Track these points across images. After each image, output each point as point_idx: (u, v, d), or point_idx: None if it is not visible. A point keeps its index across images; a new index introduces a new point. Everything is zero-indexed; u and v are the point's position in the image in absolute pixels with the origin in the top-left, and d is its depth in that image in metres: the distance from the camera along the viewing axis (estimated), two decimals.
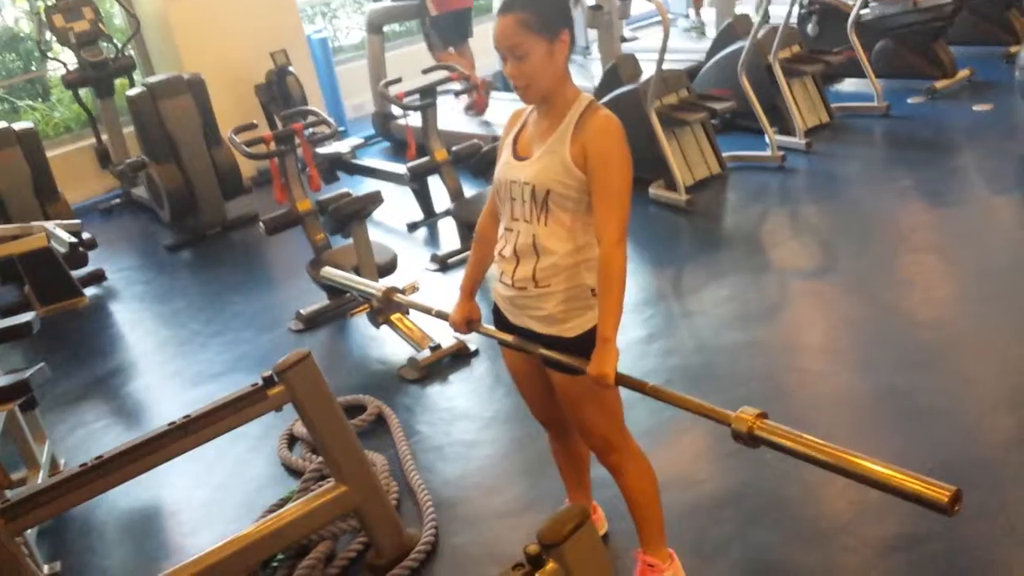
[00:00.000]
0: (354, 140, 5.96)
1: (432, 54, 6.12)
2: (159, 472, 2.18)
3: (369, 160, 5.85)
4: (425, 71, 4.96)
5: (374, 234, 3.71)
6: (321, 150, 5.24)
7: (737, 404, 2.90)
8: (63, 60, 6.08)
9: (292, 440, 3.08)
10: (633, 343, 3.26)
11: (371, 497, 2.33)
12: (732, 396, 2.90)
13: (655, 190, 4.66)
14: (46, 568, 2.59)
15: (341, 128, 6.03)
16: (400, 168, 5.07)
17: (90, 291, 4.70)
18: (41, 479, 2.86)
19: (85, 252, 4.51)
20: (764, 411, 1.53)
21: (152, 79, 5.44)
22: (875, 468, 1.41)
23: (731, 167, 4.90)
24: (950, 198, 4.22)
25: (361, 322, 3.80)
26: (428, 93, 4.63)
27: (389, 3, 6.39)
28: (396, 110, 5.66)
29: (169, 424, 2.08)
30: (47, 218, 4.72)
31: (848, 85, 5.98)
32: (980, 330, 3.05)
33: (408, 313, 3.61)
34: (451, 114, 5.97)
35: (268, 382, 2.16)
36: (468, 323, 2.12)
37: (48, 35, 5.93)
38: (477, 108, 6.04)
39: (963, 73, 5.55)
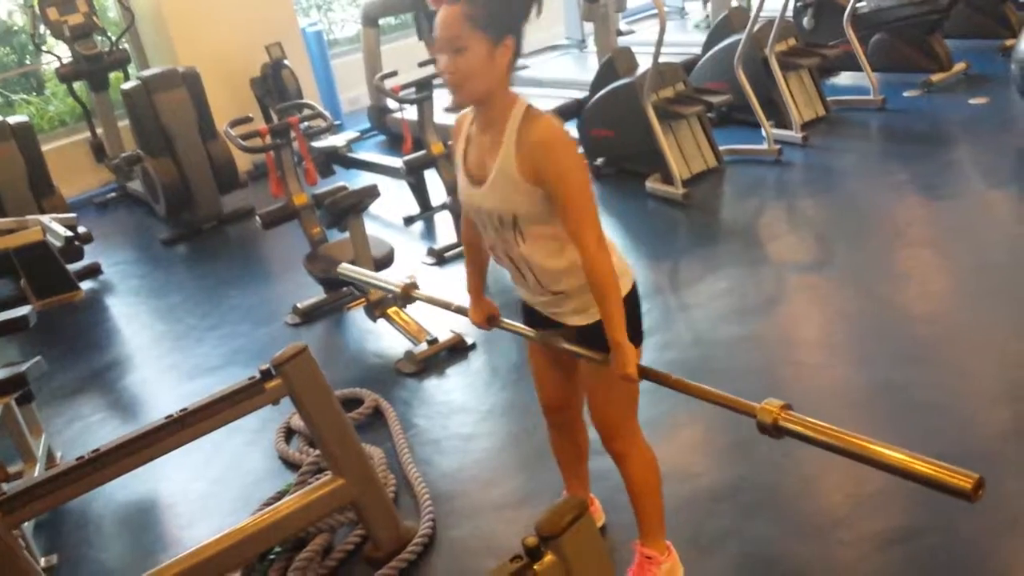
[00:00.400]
0: (350, 134, 5.94)
1: (427, 45, 6.09)
2: (156, 465, 2.18)
3: (365, 154, 5.85)
4: (421, 64, 4.95)
5: (370, 228, 3.70)
6: (317, 144, 5.23)
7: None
8: (57, 53, 6.05)
9: (289, 433, 3.08)
10: None
11: (368, 490, 2.33)
12: (729, 389, 2.90)
13: (652, 184, 4.66)
14: (43, 561, 2.60)
15: (337, 122, 6.03)
16: (396, 162, 5.06)
17: (86, 285, 4.69)
18: (38, 472, 2.86)
19: (81, 246, 4.50)
20: (788, 403, 1.55)
21: (147, 72, 5.42)
22: (899, 456, 1.44)
23: (727, 161, 4.90)
24: (946, 192, 4.23)
25: (358, 316, 3.80)
26: (424, 86, 4.62)
27: None
28: (392, 103, 5.65)
29: (166, 417, 2.08)
30: (42, 212, 4.71)
31: (844, 78, 5.98)
32: (977, 324, 3.06)
33: (406, 306, 3.61)
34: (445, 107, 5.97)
35: (265, 375, 2.16)
36: (489, 320, 2.13)
37: (42, 28, 5.90)
38: None
39: (959, 66, 5.55)
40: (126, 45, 6.23)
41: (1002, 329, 2.98)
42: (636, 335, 1.90)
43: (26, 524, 2.54)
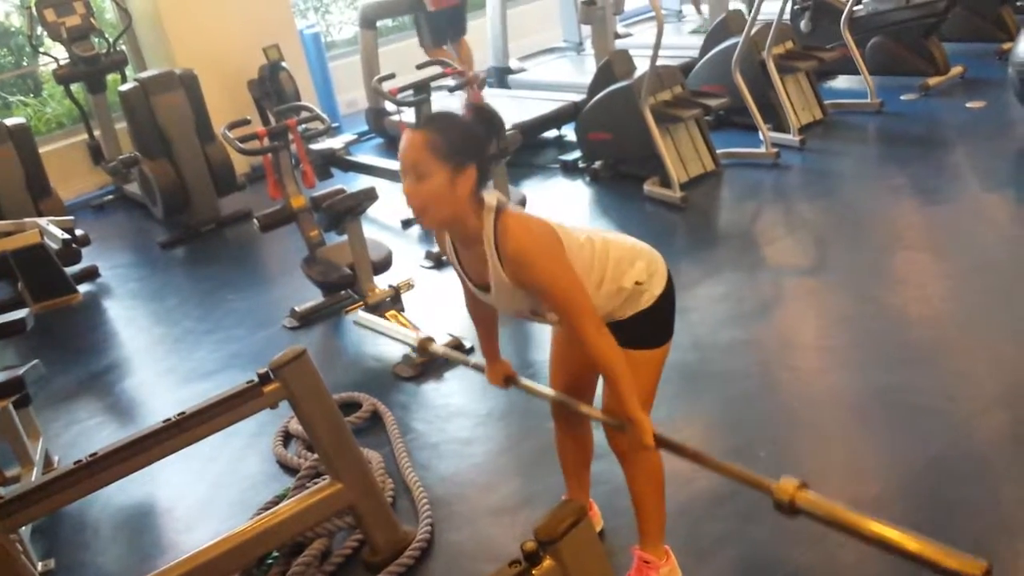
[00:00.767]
0: (348, 136, 5.94)
1: (425, 51, 6.10)
2: (153, 469, 2.18)
3: (363, 156, 5.85)
4: (419, 67, 4.95)
5: (368, 231, 3.70)
6: (315, 146, 5.22)
7: (732, 401, 2.93)
8: (54, 55, 6.04)
9: (287, 437, 3.08)
10: None
11: (366, 494, 2.33)
12: (727, 394, 2.92)
13: (649, 187, 4.67)
14: (40, 565, 2.59)
15: (335, 124, 6.02)
16: (394, 164, 5.05)
17: (83, 288, 4.68)
18: (35, 476, 2.85)
19: (78, 249, 4.50)
20: (804, 481, 1.57)
21: (144, 74, 5.41)
22: (911, 542, 1.45)
23: (725, 164, 4.91)
24: (943, 195, 4.23)
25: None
26: (422, 89, 4.62)
27: None
28: (390, 106, 5.65)
29: (163, 421, 2.08)
30: (40, 215, 4.70)
31: (841, 82, 5.99)
32: (974, 327, 3.07)
33: (404, 310, 3.60)
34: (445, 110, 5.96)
35: (263, 379, 2.16)
36: (505, 380, 2.18)
37: (39, 30, 5.88)
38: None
39: (956, 70, 5.57)
40: (123, 47, 6.22)
41: (999, 333, 2.99)
42: (666, 332, 1.97)
43: (23, 528, 2.53)
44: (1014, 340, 2.94)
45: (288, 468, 2.90)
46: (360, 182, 5.00)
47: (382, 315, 3.56)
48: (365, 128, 6.56)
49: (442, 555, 2.41)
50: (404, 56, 6.02)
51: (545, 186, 5.17)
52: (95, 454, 2.01)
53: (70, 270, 4.44)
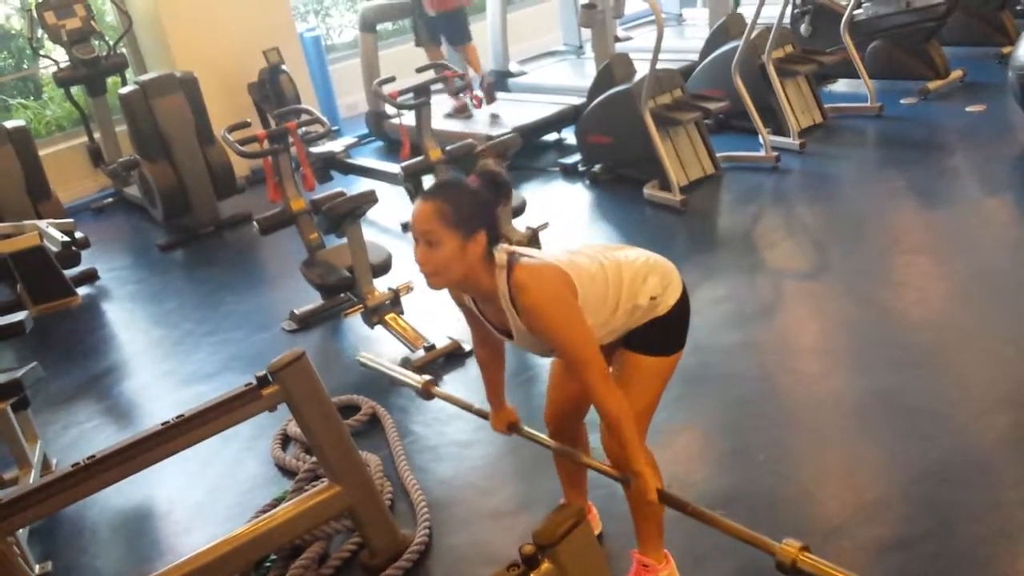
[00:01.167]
0: (348, 139, 5.95)
1: (425, 50, 6.10)
2: (152, 472, 2.17)
3: (363, 159, 5.85)
4: (419, 70, 4.95)
5: (368, 233, 3.69)
6: (315, 149, 5.23)
7: (732, 404, 2.93)
8: (55, 58, 6.05)
9: (286, 440, 3.07)
10: None
11: (365, 497, 2.33)
12: (727, 396, 2.92)
13: (649, 190, 4.67)
14: (37, 568, 2.59)
15: (335, 127, 6.01)
16: (394, 167, 5.07)
17: (83, 290, 4.68)
18: (33, 479, 2.85)
19: (78, 251, 4.48)
20: (806, 544, 1.59)
21: (144, 77, 5.42)
22: None
23: (725, 167, 4.91)
24: (943, 199, 4.24)
25: (355, 322, 3.79)
26: (422, 92, 4.62)
27: (382, 1, 6.38)
28: (390, 109, 5.66)
29: (162, 424, 2.07)
30: (39, 217, 4.70)
31: (841, 85, 5.99)
32: (973, 331, 3.06)
33: (403, 313, 3.60)
34: (445, 113, 5.98)
35: (262, 382, 2.15)
36: (509, 427, 2.20)
37: (40, 32, 5.90)
38: (476, 104, 6.00)
39: (956, 74, 5.57)
40: (124, 50, 6.23)
41: (999, 336, 2.99)
42: (678, 341, 1.99)
43: (21, 531, 2.53)
44: (1014, 343, 2.93)
45: (286, 471, 2.90)
46: (360, 185, 5.01)
47: (382, 318, 3.56)
48: (365, 131, 6.56)
49: (440, 558, 2.40)
50: (404, 59, 6.03)
51: (545, 189, 5.17)
52: (93, 456, 2.01)
53: (69, 272, 4.41)
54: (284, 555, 2.45)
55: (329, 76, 7.06)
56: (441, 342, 3.43)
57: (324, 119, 4.18)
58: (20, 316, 2.99)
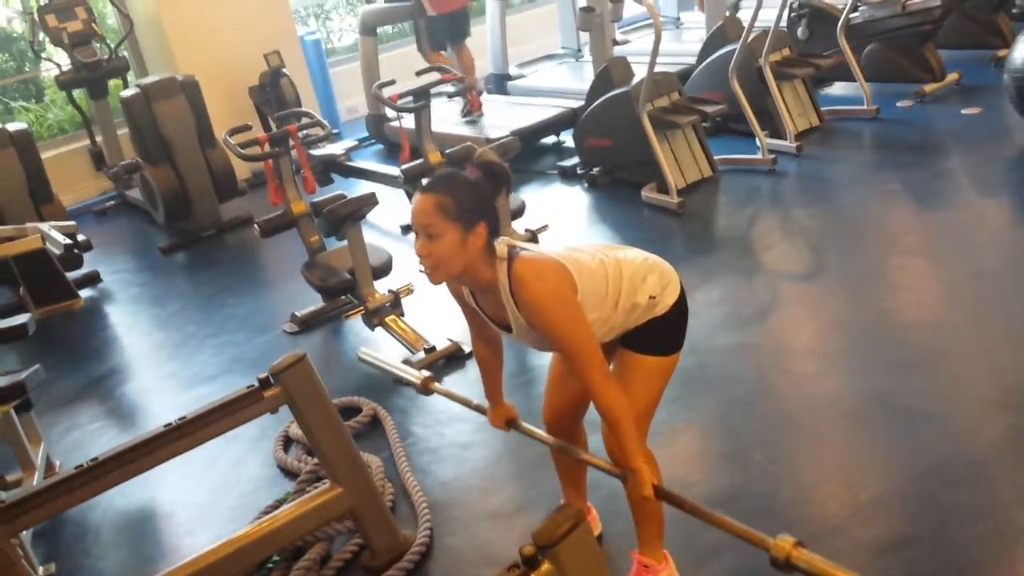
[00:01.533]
0: (348, 142, 5.96)
1: (423, 56, 6.12)
2: (154, 474, 2.19)
3: (363, 162, 5.87)
4: (418, 73, 4.98)
5: (368, 236, 3.71)
6: (315, 152, 5.25)
7: (729, 406, 2.95)
8: (56, 61, 6.07)
9: (288, 442, 3.09)
10: None
11: (366, 499, 2.34)
12: (724, 398, 2.94)
13: (647, 193, 4.69)
14: (41, 570, 2.60)
15: (335, 130, 6.04)
16: (394, 170, 5.09)
17: (85, 293, 4.69)
18: (36, 481, 2.87)
19: (80, 254, 4.50)
20: (800, 540, 1.60)
21: (146, 80, 5.43)
22: None
23: (722, 170, 4.93)
24: (939, 201, 4.26)
25: (356, 324, 3.81)
26: (422, 95, 4.65)
27: (382, 4, 6.41)
28: (390, 112, 5.68)
29: (165, 426, 2.09)
30: (41, 220, 4.71)
31: (838, 88, 6.02)
32: (970, 332, 3.08)
33: (404, 315, 3.62)
34: (445, 116, 5.99)
35: (264, 384, 2.17)
36: (507, 423, 2.21)
37: (41, 35, 5.91)
38: (472, 107, 6.02)
39: (952, 77, 5.59)
40: (125, 53, 6.24)
41: (995, 337, 3.01)
42: (677, 341, 2.00)
43: (24, 533, 2.55)
44: (1011, 344, 2.96)
45: (288, 472, 2.92)
46: (360, 188, 5.03)
47: (382, 320, 3.58)
48: (365, 134, 6.58)
49: (441, 559, 2.42)
50: (404, 62, 6.06)
51: (543, 192, 5.19)
52: (96, 459, 2.03)
53: (72, 275, 4.42)
54: (286, 556, 2.47)
55: (329, 79, 7.08)
56: (441, 344, 3.45)
57: (324, 122, 4.20)
58: (23, 319, 3.00)
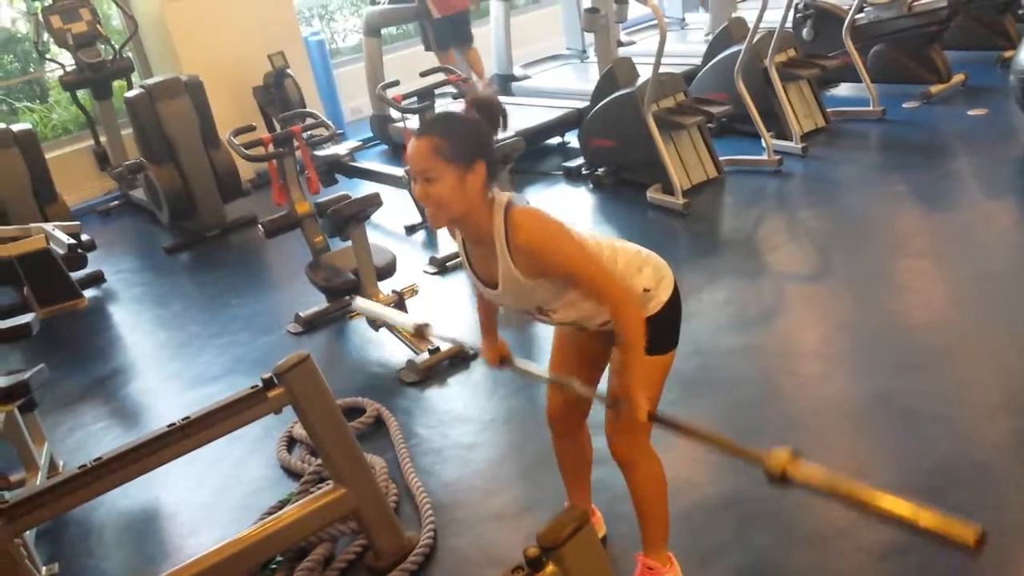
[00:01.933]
0: (352, 143, 5.96)
1: (436, 55, 6.12)
2: (158, 474, 2.19)
3: (367, 163, 5.87)
4: (423, 74, 4.98)
5: (372, 236, 3.71)
6: (319, 153, 5.24)
7: (734, 407, 2.94)
8: (61, 61, 6.08)
9: (291, 442, 3.09)
10: None
11: (370, 499, 2.34)
12: (729, 399, 2.93)
13: (652, 194, 4.68)
14: (44, 570, 2.60)
15: (339, 131, 6.04)
16: (398, 171, 5.09)
17: (89, 293, 4.70)
18: (40, 481, 2.87)
19: (84, 254, 4.49)
20: (796, 450, 1.56)
21: (150, 81, 5.44)
22: (904, 507, 1.46)
23: (728, 171, 4.92)
24: (945, 202, 4.24)
25: (360, 325, 3.81)
26: (426, 96, 4.64)
27: (387, 5, 6.41)
28: (394, 113, 5.68)
29: (168, 426, 2.09)
30: (46, 220, 4.72)
31: (844, 89, 6.00)
32: (976, 334, 3.07)
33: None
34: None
35: (267, 384, 2.16)
36: (502, 360, 2.18)
37: (46, 36, 5.93)
38: None
39: (958, 78, 5.58)
40: (130, 53, 6.26)
41: (1002, 340, 3.00)
42: (671, 340, 1.98)
43: (28, 533, 2.55)
44: (1018, 346, 2.94)
45: (292, 473, 2.91)
46: (364, 188, 5.03)
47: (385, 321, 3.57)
48: (370, 135, 6.59)
49: (445, 561, 2.41)
50: (408, 63, 6.05)
51: (548, 193, 5.18)
52: (100, 458, 2.02)
53: (76, 275, 4.42)
54: (290, 557, 2.46)
55: (334, 80, 7.08)
56: (445, 345, 3.44)
57: (329, 123, 4.20)
58: (27, 318, 3.00)
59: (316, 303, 4.00)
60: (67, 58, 5.99)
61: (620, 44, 6.51)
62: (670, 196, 4.57)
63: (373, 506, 2.34)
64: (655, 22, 4.49)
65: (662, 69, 4.52)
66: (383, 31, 6.58)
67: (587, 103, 5.23)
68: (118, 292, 4.84)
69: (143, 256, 5.38)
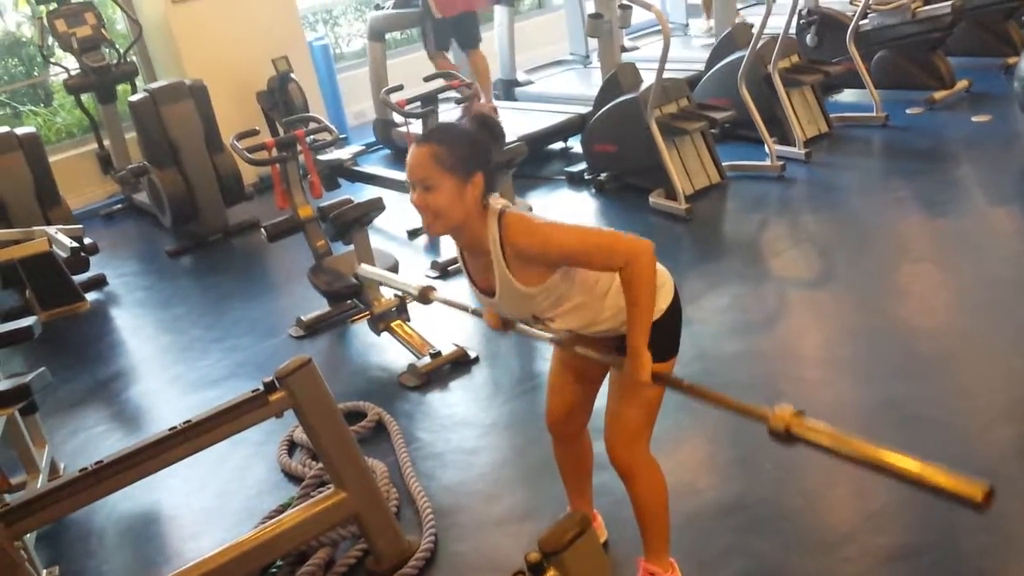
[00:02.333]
0: (355, 147, 5.97)
1: (430, 57, 6.11)
2: (159, 477, 2.18)
3: (370, 167, 5.88)
4: (426, 79, 4.98)
5: (375, 241, 3.71)
6: (323, 157, 5.25)
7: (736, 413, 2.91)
8: (65, 65, 6.10)
9: (292, 446, 3.08)
10: None
11: (370, 504, 2.33)
12: None
13: (655, 199, 4.68)
14: (44, 573, 2.60)
15: (342, 135, 6.05)
16: (401, 175, 5.07)
17: (91, 296, 4.70)
18: (41, 483, 2.87)
19: (87, 257, 4.52)
20: (801, 409, 1.54)
21: (154, 85, 5.45)
22: (910, 464, 1.45)
23: (731, 176, 4.92)
24: (949, 209, 4.23)
25: (362, 329, 3.81)
26: (429, 101, 4.65)
27: (391, 10, 6.42)
28: (397, 117, 5.68)
29: (169, 429, 2.09)
30: (49, 223, 4.72)
31: (847, 95, 6.00)
32: (979, 341, 3.06)
33: (410, 320, 3.62)
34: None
35: (269, 388, 2.16)
36: (504, 323, 2.14)
37: (50, 40, 5.94)
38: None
39: (961, 84, 5.57)
40: (134, 58, 6.27)
41: (1005, 346, 2.99)
42: (672, 347, 1.97)
43: (28, 536, 2.54)
44: (1020, 353, 2.93)
45: (293, 477, 2.91)
46: (367, 192, 5.02)
47: (388, 325, 3.57)
48: (373, 139, 6.59)
49: (446, 565, 2.40)
50: (412, 68, 6.05)
51: (551, 198, 5.18)
52: (101, 462, 2.02)
53: (78, 278, 4.45)
54: (290, 561, 2.46)
55: (337, 84, 7.09)
56: (447, 349, 3.44)
57: (332, 127, 4.21)
58: (29, 321, 3.00)
59: (318, 307, 4.00)
60: (71, 62, 6.00)
61: (624, 49, 6.51)
62: (673, 201, 4.57)
63: (374, 510, 2.34)
64: (659, 28, 4.48)
65: (666, 74, 4.52)
66: (387, 36, 6.59)
67: (590, 108, 5.22)
68: (120, 295, 4.85)
69: (146, 260, 5.39)
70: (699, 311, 3.57)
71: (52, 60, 6.23)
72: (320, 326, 3.96)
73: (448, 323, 3.63)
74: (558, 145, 5.91)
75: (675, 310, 1.96)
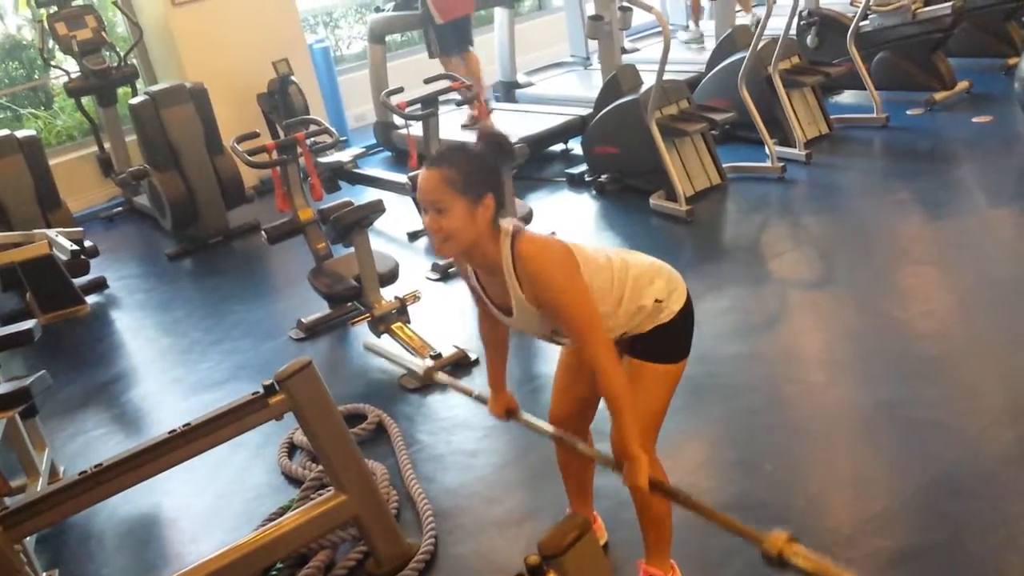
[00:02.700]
0: (356, 149, 5.96)
1: (441, 61, 6.12)
2: (159, 480, 2.18)
3: (371, 169, 5.87)
4: (427, 81, 4.98)
5: (375, 243, 3.71)
6: (323, 159, 5.25)
7: (737, 414, 2.93)
8: (66, 68, 6.10)
9: (292, 449, 3.08)
10: None
11: (371, 506, 2.33)
12: (732, 407, 2.91)
13: (655, 200, 4.67)
14: None
15: (343, 137, 6.04)
16: (401, 177, 5.09)
17: (91, 299, 4.70)
18: (40, 487, 2.86)
19: (87, 260, 4.52)
20: (794, 535, 1.57)
21: (154, 88, 5.45)
22: None
23: (731, 178, 4.91)
24: (949, 210, 4.23)
25: (362, 331, 3.80)
26: (430, 103, 4.65)
27: (391, 13, 6.42)
28: (398, 120, 5.68)
29: (169, 432, 2.08)
30: (49, 226, 4.72)
31: (847, 97, 6.00)
32: (980, 342, 3.05)
33: (410, 322, 3.61)
34: (453, 123, 6.00)
35: (269, 390, 2.16)
36: (507, 412, 2.19)
37: (51, 43, 5.94)
38: (478, 116, 6.03)
39: (962, 85, 5.57)
40: (134, 60, 6.27)
41: (1006, 348, 2.98)
42: (683, 349, 1.99)
43: (28, 538, 2.54)
44: (1021, 354, 2.92)
45: (293, 479, 2.90)
46: (368, 195, 5.02)
47: (388, 327, 3.56)
48: (373, 141, 6.59)
49: (446, 568, 2.40)
50: (412, 70, 6.05)
51: (551, 199, 5.18)
52: (100, 465, 2.02)
53: (78, 281, 4.44)
54: (290, 563, 2.45)
55: (338, 87, 7.09)
56: (447, 351, 3.43)
57: (332, 130, 4.20)
58: (29, 324, 3.00)
59: (318, 309, 4.00)
60: (72, 65, 6.00)
61: (624, 51, 6.51)
62: (673, 203, 4.56)
63: (374, 513, 2.34)
64: (659, 29, 4.48)
65: (666, 76, 4.52)
66: (387, 38, 6.59)
67: (590, 110, 5.23)
68: (120, 298, 4.85)
69: (146, 262, 5.38)
70: (700, 313, 3.53)
71: (53, 63, 6.23)
72: (320, 328, 3.95)
73: (449, 325, 3.63)
74: (559, 147, 5.91)
75: (687, 312, 1.97)
